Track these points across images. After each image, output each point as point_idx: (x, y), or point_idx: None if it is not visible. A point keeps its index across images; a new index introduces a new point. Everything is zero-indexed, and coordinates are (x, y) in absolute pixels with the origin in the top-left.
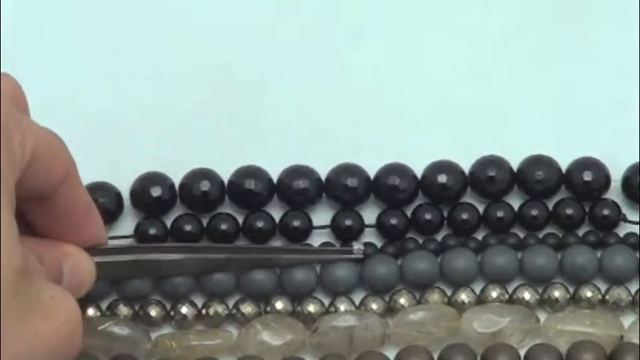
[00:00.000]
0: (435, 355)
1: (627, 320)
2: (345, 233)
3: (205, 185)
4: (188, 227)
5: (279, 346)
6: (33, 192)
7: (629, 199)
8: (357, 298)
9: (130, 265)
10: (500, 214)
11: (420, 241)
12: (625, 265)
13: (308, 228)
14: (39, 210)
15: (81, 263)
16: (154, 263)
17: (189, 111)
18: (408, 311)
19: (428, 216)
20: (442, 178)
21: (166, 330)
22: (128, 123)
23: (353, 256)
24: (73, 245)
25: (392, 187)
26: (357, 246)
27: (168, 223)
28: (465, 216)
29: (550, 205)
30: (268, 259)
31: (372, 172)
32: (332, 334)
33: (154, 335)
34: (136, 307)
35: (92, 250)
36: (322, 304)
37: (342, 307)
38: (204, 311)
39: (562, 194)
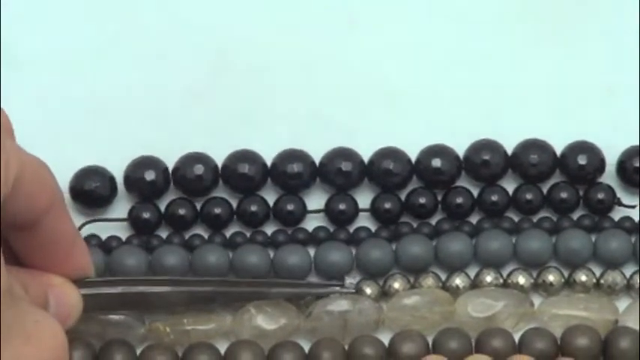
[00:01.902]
0: (430, 340)
1: (622, 304)
2: (339, 217)
3: (199, 169)
4: (182, 211)
5: (273, 331)
6: (17, 220)
7: (624, 183)
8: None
9: (115, 297)
10: (494, 198)
11: (415, 225)
12: (620, 249)
13: (302, 212)
14: (23, 239)
15: (67, 294)
16: (141, 296)
17: (183, 95)
18: (402, 296)
19: (422, 200)
20: (436, 162)
21: (160, 315)
22: (122, 107)
23: (345, 290)
24: (59, 276)
25: (386, 171)
26: (349, 280)
27: (162, 207)
28: (459, 200)
29: (545, 189)
30: (256, 293)
31: (366, 157)
32: (326, 319)
33: (147, 320)
34: None
35: (79, 282)
36: None
37: None
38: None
39: (557, 178)
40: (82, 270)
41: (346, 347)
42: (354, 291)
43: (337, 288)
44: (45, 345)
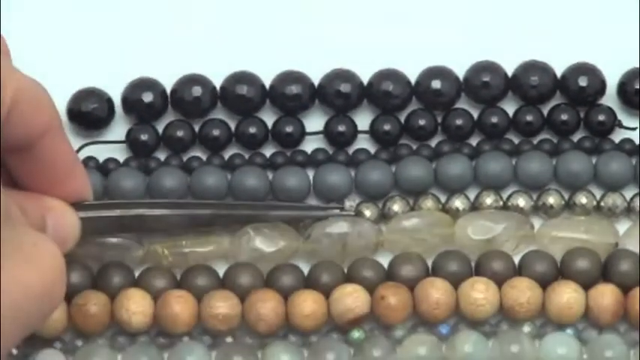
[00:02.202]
0: (429, 262)
1: (622, 227)
2: (338, 139)
3: (197, 91)
4: (180, 133)
5: (271, 253)
6: (14, 142)
7: (624, 105)
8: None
9: (114, 220)
10: (494, 119)
11: (414, 147)
12: (620, 172)
13: (301, 134)
14: (21, 162)
15: (65, 217)
16: (139, 218)
17: (180, 16)
18: (401, 218)
19: (422, 122)
20: (436, 84)
21: (158, 237)
22: (119, 28)
23: (344, 213)
24: (57, 199)
25: (385, 92)
26: (348, 203)
27: (160, 129)
28: (459, 122)
29: (545, 111)
30: (255, 216)
31: (365, 78)
32: (325, 242)
33: (145, 243)
34: None
35: (77, 205)
36: None
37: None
38: None
39: (557, 100)
40: (80, 193)
41: (345, 270)
42: (353, 214)
43: (336, 211)
44: (43, 267)
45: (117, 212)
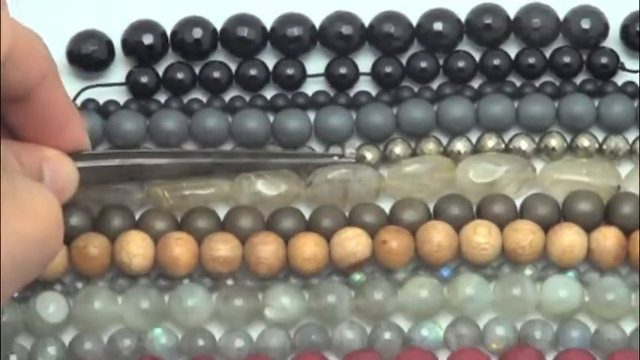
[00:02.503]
0: (431, 207)
1: (624, 169)
2: (339, 81)
3: (197, 33)
4: (180, 75)
5: (273, 197)
6: (10, 91)
7: (627, 48)
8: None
9: (113, 170)
10: (496, 62)
11: (416, 90)
12: (623, 114)
13: (302, 76)
14: (17, 112)
15: (62, 167)
16: (138, 168)
17: None
18: (402, 164)
19: (423, 64)
20: (438, 26)
21: (158, 180)
22: None
23: (345, 160)
24: (54, 149)
25: (387, 34)
26: (349, 150)
27: (160, 71)
28: (461, 64)
29: (547, 54)
30: (255, 164)
31: (366, 20)
32: (326, 187)
33: (146, 185)
34: None
35: (74, 155)
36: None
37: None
38: None
39: (560, 42)
40: (77, 143)
41: (347, 214)
42: (354, 160)
43: (337, 158)
44: (40, 216)
45: (116, 162)
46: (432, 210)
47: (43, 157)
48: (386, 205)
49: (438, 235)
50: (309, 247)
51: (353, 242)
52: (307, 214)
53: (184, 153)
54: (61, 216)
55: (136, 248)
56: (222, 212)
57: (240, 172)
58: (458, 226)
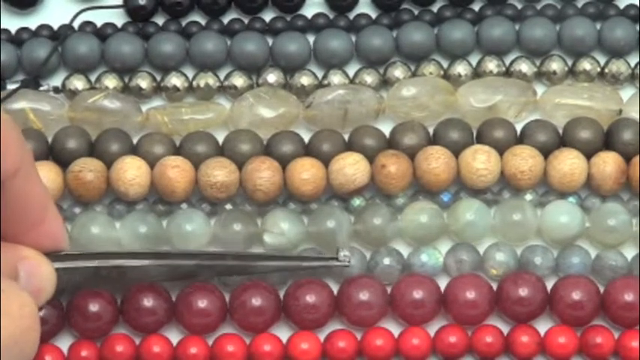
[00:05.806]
0: (430, 130)
1: (626, 94)
2: (339, 4)
3: None
4: None
5: (272, 119)
6: None
7: None
8: (352, 70)
9: (92, 271)
10: None
11: (416, 12)
12: (625, 38)
13: None
14: None
15: (39, 267)
16: (117, 269)
17: None
18: (402, 85)
19: None
20: None
21: (157, 103)
22: None
23: (338, 263)
24: (31, 249)
25: None
26: (342, 253)
27: None
28: None
29: None
30: (242, 267)
31: None
32: (326, 109)
33: (144, 108)
34: (126, 79)
35: (52, 255)
36: (315, 76)
37: (335, 80)
38: (194, 83)
39: None
40: (55, 241)
41: (346, 138)
42: (347, 264)
43: (331, 261)
44: (13, 316)
45: (95, 263)
46: (431, 133)
47: (20, 256)
48: (386, 128)
49: (437, 161)
50: (306, 169)
51: (352, 168)
52: (307, 137)
53: (166, 254)
54: (37, 316)
55: (133, 176)
56: (221, 136)
57: (224, 275)
58: (457, 150)
